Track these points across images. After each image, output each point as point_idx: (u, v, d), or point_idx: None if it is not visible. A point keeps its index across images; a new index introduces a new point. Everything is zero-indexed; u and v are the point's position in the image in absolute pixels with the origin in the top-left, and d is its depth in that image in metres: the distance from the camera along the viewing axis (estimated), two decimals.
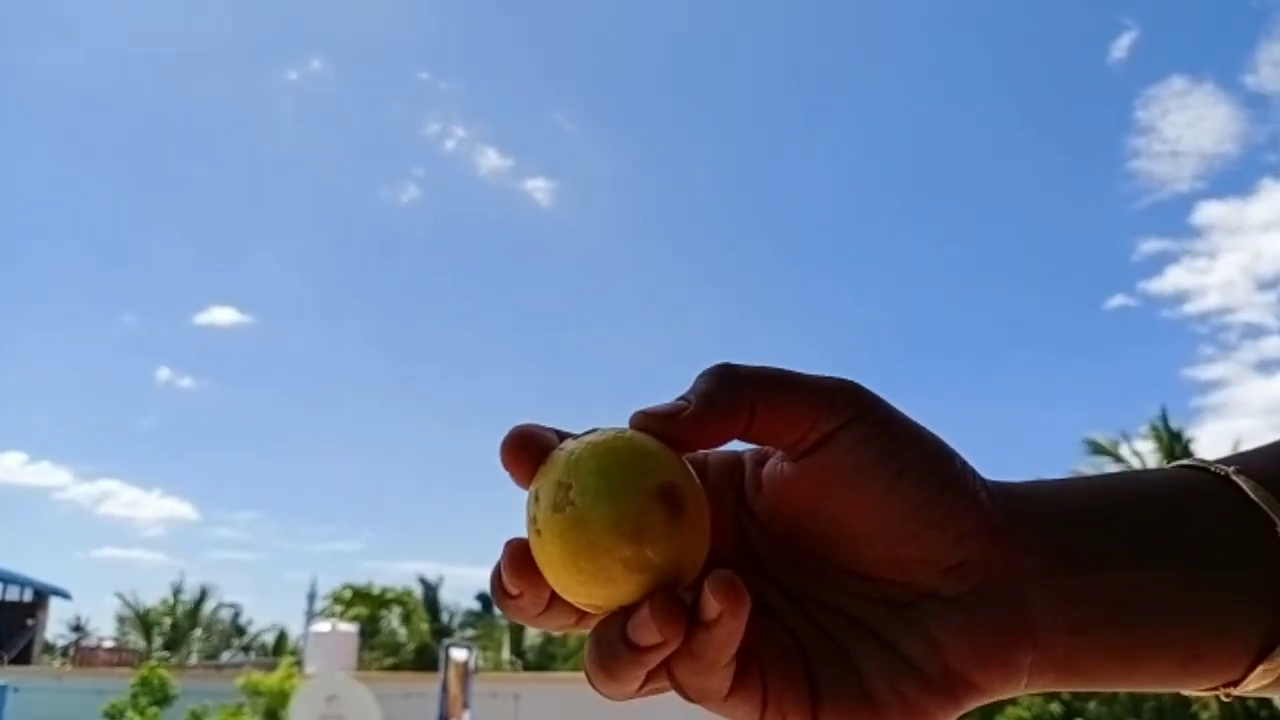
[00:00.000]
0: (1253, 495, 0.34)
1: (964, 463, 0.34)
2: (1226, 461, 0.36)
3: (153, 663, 17.49)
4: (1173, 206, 35.04)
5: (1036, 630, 0.32)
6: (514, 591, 0.32)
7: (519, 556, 0.31)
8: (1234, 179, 34.57)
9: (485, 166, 39.29)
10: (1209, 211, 34.29)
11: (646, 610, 0.29)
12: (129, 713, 14.49)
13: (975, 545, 0.32)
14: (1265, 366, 32.81)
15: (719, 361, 0.33)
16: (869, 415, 0.32)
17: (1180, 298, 34.81)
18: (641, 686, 0.31)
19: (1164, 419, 18.33)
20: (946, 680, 0.32)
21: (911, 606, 0.32)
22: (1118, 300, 34.49)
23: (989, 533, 0.32)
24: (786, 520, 0.34)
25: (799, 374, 0.33)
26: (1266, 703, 12.47)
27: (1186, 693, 0.36)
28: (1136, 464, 18.19)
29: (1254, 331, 32.84)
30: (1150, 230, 35.13)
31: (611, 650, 0.30)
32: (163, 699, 15.04)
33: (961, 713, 0.32)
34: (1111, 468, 18.00)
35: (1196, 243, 33.77)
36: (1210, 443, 18.29)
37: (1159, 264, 34.91)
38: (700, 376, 0.33)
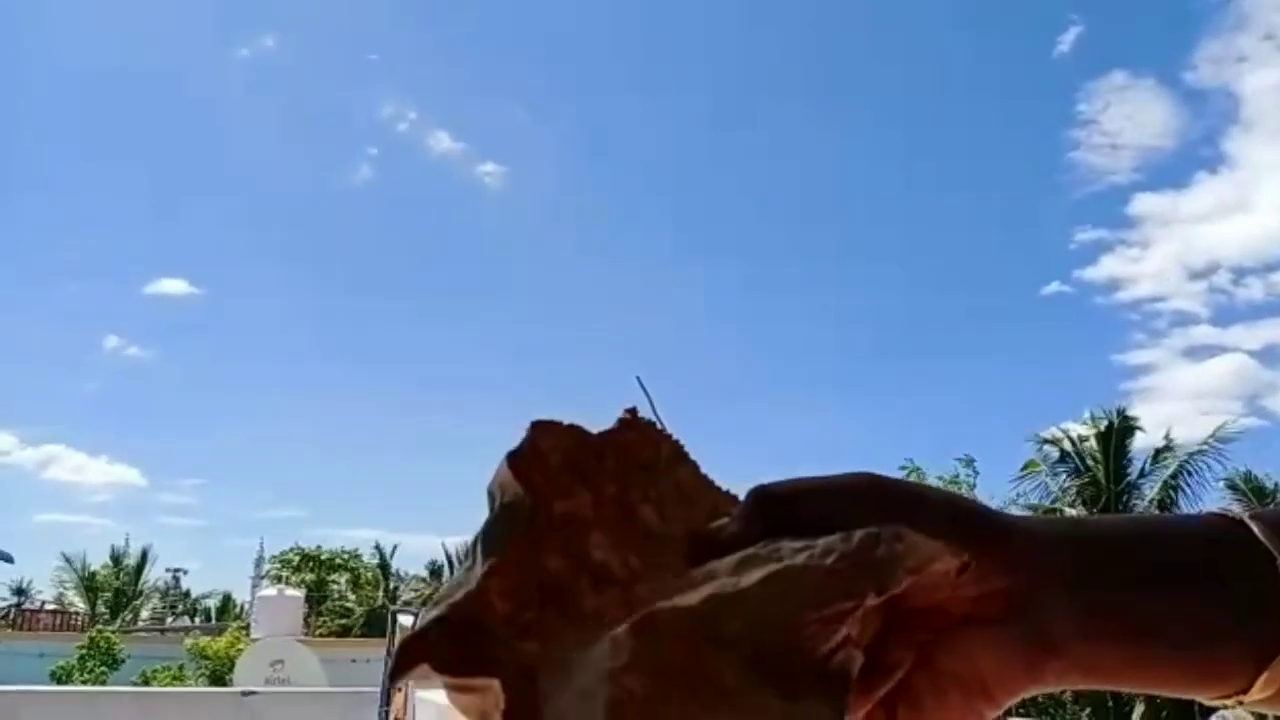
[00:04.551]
0: (1260, 535, 0.40)
1: (974, 504, 0.41)
2: (1245, 510, 0.43)
3: (100, 627, 17.30)
4: (1110, 197, 35.77)
5: (1057, 641, 0.38)
6: None
7: None
8: (1170, 172, 35.33)
9: (437, 149, 38.93)
10: (1144, 203, 34.89)
11: None
12: (76, 674, 14.35)
13: (1000, 576, 0.38)
14: (1193, 353, 33.68)
15: (755, 487, 0.39)
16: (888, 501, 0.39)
17: (1113, 285, 35.45)
18: None
19: (1118, 413, 18.76)
20: (983, 687, 0.39)
21: (951, 631, 0.39)
22: (1053, 287, 35.20)
23: (1011, 563, 0.39)
24: None
25: (820, 481, 0.40)
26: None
27: (1203, 700, 0.42)
28: (1072, 450, 18.61)
29: (1183, 319, 33.66)
30: (1087, 220, 35.82)
31: None
32: (110, 662, 14.93)
33: (999, 711, 0.40)
34: (1054, 457, 18.41)
35: (1131, 233, 34.46)
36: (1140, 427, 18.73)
37: (1094, 252, 35.46)
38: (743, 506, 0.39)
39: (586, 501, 0.36)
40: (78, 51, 38.64)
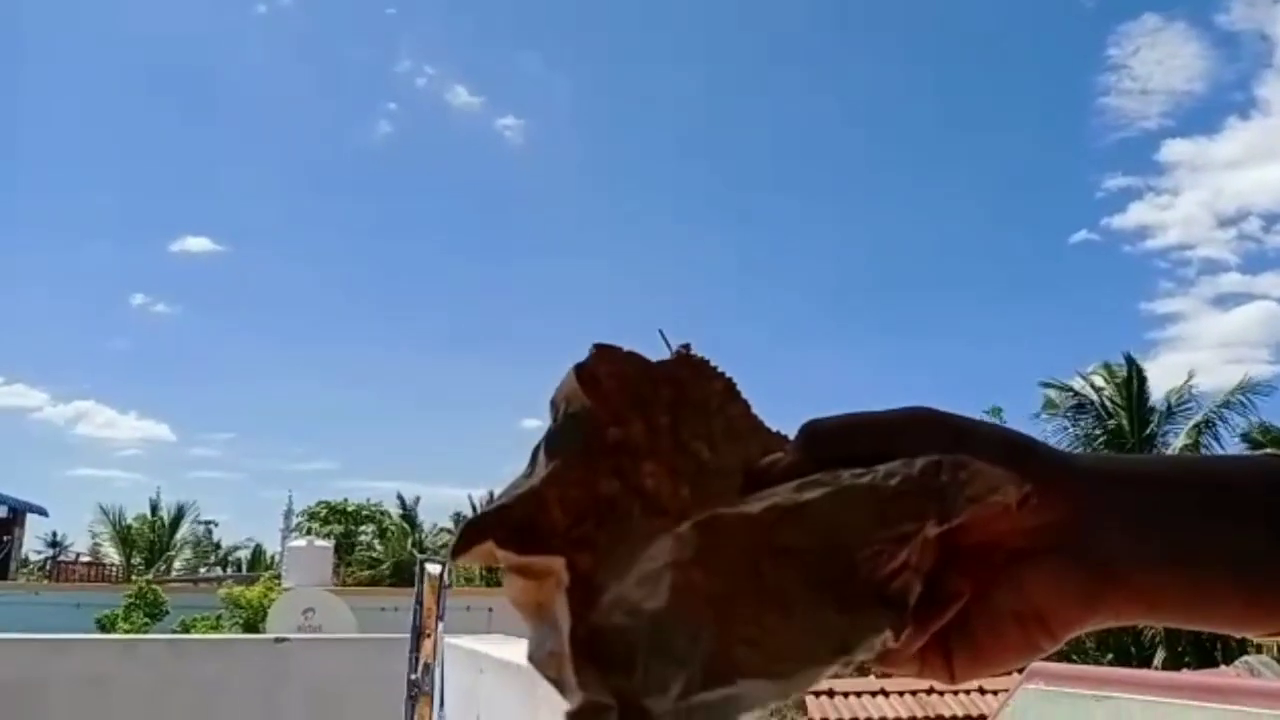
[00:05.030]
0: None
1: (1031, 439, 0.40)
2: None
3: (135, 578, 17.74)
4: (1139, 143, 35.28)
5: (1116, 574, 0.38)
6: None
7: None
8: (1201, 117, 34.75)
9: (455, 104, 38.66)
10: (1174, 149, 34.44)
11: None
12: (121, 623, 14.76)
13: (1058, 509, 0.38)
14: (1222, 301, 33.34)
15: (808, 422, 0.39)
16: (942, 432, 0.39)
17: (1142, 233, 35.10)
18: None
19: (1127, 355, 18.52)
20: (1040, 620, 0.39)
21: (1007, 565, 0.39)
22: (1081, 235, 34.74)
23: (1069, 497, 0.39)
24: None
25: (872, 415, 0.39)
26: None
27: (1252, 636, 0.43)
28: (1094, 399, 18.45)
29: (1212, 267, 33.35)
30: (1116, 167, 35.30)
31: None
32: (155, 612, 15.34)
33: (1057, 645, 0.40)
34: (1065, 400, 18.26)
35: (1160, 180, 33.95)
36: (1164, 376, 18.53)
37: (1123, 200, 35.15)
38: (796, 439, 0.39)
39: (640, 429, 0.36)
40: (100, 13, 38.57)
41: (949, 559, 0.38)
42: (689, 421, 0.37)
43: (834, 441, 0.38)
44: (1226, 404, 17.89)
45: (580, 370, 0.36)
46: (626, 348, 0.38)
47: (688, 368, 0.39)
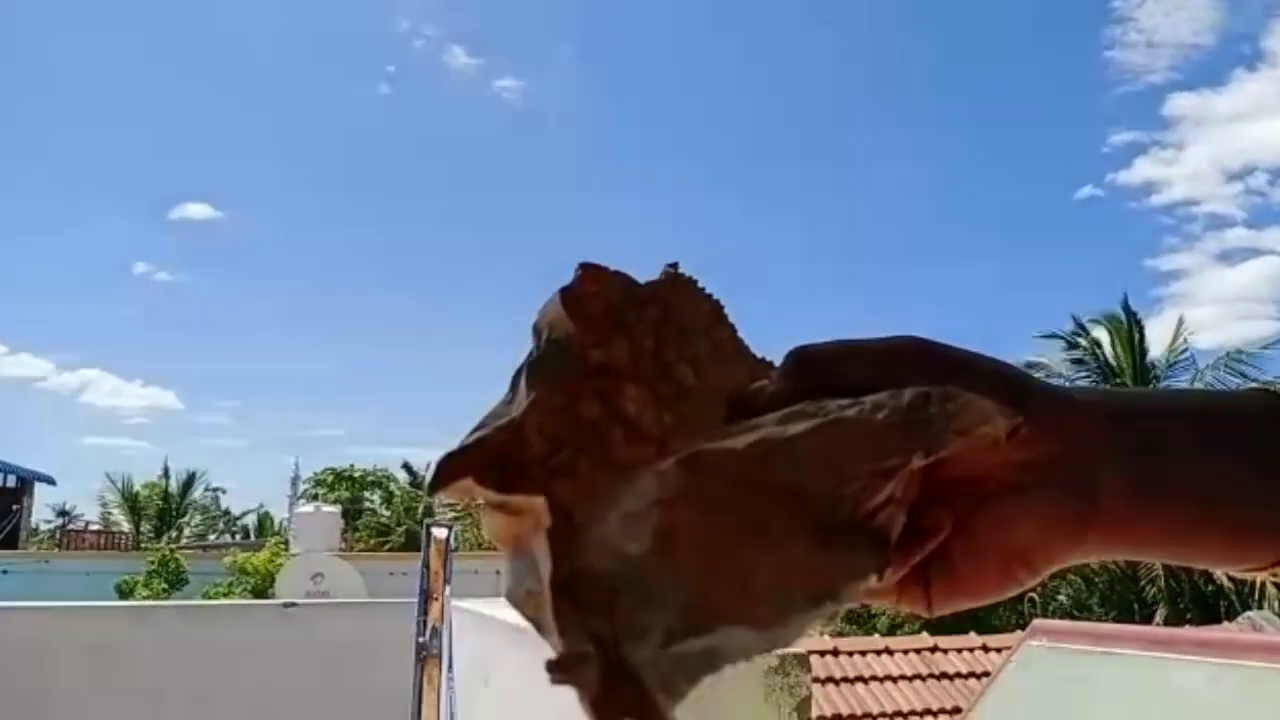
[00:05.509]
0: None
1: (1021, 371, 0.39)
2: None
3: (161, 545, 17.96)
4: (1145, 97, 34.88)
5: (1101, 507, 0.38)
6: None
7: None
8: (1208, 70, 34.33)
9: (454, 66, 38.26)
10: (1180, 103, 34.03)
11: None
12: (140, 590, 14.93)
13: (1045, 442, 0.37)
14: (1227, 256, 33.18)
15: (795, 348, 0.38)
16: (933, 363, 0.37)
17: (1147, 189, 34.88)
18: None
19: (1125, 305, 18.36)
20: (1022, 554, 0.38)
21: (991, 498, 0.38)
22: (1086, 191, 34.49)
23: (1056, 429, 0.38)
24: None
25: (862, 343, 0.38)
26: (1210, 579, 13.07)
27: (1236, 573, 0.42)
28: (1094, 352, 18.36)
29: (1218, 222, 33.15)
30: (1122, 121, 34.90)
31: None
32: (174, 580, 15.53)
33: (1039, 578, 0.39)
34: (1060, 357, 18.16)
35: (1166, 134, 33.63)
36: (1167, 331, 18.40)
37: (1128, 155, 34.82)
38: (783, 364, 0.38)
39: (623, 351, 0.35)
40: None
41: (933, 491, 0.37)
42: (674, 344, 0.36)
43: (822, 369, 0.37)
44: (1238, 359, 17.72)
45: (565, 292, 0.35)
46: (612, 268, 0.36)
47: (675, 288, 0.38)
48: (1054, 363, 18.39)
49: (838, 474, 0.33)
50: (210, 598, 13.87)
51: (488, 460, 0.31)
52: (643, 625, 0.28)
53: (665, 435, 0.33)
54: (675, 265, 0.38)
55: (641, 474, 0.31)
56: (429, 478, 0.32)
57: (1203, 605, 14.54)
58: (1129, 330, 18.05)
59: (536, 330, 0.35)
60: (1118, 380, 18.04)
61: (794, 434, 0.33)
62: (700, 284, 0.39)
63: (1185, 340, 18.21)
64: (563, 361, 0.33)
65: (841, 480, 0.33)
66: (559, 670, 0.27)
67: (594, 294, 0.35)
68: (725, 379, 0.37)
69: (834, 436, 0.33)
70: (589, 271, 0.35)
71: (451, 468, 0.31)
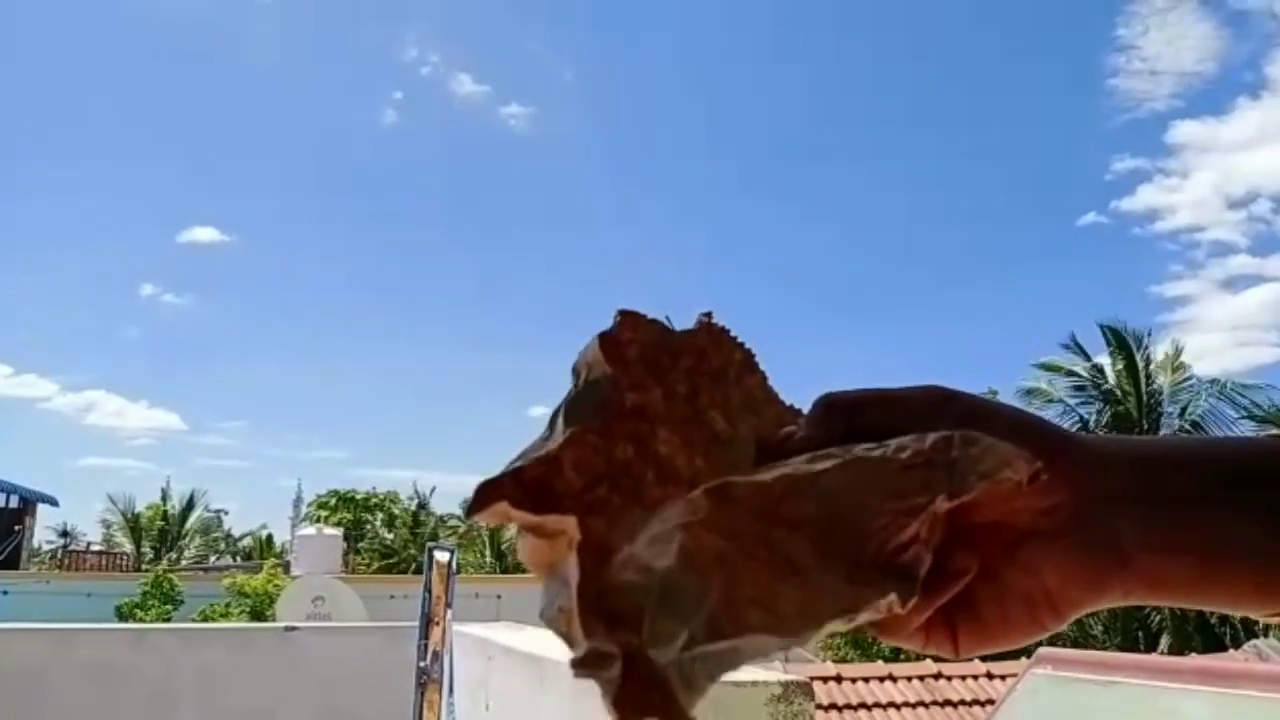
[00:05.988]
0: None
1: (1041, 419, 0.41)
2: None
3: (147, 567, 17.90)
4: (1148, 125, 34.96)
5: (1124, 554, 0.39)
6: None
7: None
8: (1210, 98, 34.41)
9: (460, 92, 38.59)
10: (1183, 130, 34.17)
11: None
12: (140, 612, 14.89)
13: (1067, 489, 0.39)
14: (1230, 283, 33.17)
15: (822, 395, 0.40)
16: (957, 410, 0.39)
17: (1151, 215, 34.92)
18: None
19: (1126, 331, 18.22)
20: (1048, 599, 0.39)
21: (1016, 544, 0.39)
22: (1089, 218, 34.59)
23: (1078, 477, 0.39)
24: None
25: (889, 391, 0.40)
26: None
27: (1258, 617, 0.43)
28: (1094, 380, 18.24)
29: (1221, 249, 33.17)
30: (1125, 148, 35.05)
31: None
32: (170, 600, 15.49)
33: (1062, 625, 0.40)
34: (1062, 384, 18.07)
35: (1169, 161, 33.75)
36: (1170, 358, 18.24)
37: (1132, 182, 34.97)
38: (812, 411, 0.39)
39: (657, 397, 0.36)
40: (101, 4, 38.52)
41: (958, 535, 0.38)
42: (707, 391, 0.38)
43: (850, 415, 0.39)
44: (1246, 387, 17.60)
45: (605, 337, 0.36)
46: (649, 315, 0.38)
47: (708, 337, 0.39)
48: (1056, 389, 18.35)
49: (862, 510, 0.34)
50: (207, 618, 13.83)
51: (524, 487, 0.32)
52: (668, 634, 0.29)
53: (695, 477, 0.35)
54: (709, 314, 0.40)
55: (671, 504, 0.33)
56: (468, 503, 0.34)
57: (1208, 633, 14.42)
58: (1131, 357, 17.99)
59: (575, 371, 0.36)
60: (1119, 407, 18.00)
61: (819, 470, 0.34)
62: (732, 333, 0.40)
63: (1186, 365, 18.15)
64: (599, 402, 0.35)
65: (866, 517, 0.34)
66: (582, 667, 0.28)
67: (631, 340, 0.36)
68: (755, 425, 0.39)
69: (858, 474, 0.34)
70: (628, 318, 0.37)
71: (489, 493, 0.32)
